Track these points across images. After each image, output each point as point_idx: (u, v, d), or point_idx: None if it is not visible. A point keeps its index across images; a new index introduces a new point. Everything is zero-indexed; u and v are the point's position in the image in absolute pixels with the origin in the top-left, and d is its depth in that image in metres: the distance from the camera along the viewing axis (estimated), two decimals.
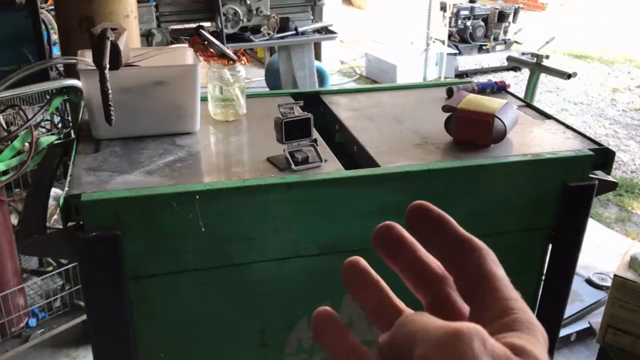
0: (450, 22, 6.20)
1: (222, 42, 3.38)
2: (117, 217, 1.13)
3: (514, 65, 2.49)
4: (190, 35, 1.52)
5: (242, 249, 1.24)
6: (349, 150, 1.50)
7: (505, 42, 6.78)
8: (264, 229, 1.23)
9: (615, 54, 7.71)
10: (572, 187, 1.37)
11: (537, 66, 2.08)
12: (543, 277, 1.51)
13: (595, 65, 7.41)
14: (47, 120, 2.39)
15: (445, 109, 1.44)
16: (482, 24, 6.58)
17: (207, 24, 3.62)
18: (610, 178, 1.47)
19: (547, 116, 1.62)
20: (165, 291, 1.24)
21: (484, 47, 6.67)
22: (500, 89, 1.78)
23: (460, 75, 6.43)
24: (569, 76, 2.08)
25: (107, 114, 1.16)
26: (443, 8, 5.80)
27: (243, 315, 1.32)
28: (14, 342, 2.34)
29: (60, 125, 2.35)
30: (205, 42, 1.45)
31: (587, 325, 2.58)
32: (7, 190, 2.18)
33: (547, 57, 2.09)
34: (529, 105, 1.69)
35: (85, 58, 1.39)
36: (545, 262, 1.49)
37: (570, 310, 2.61)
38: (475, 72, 6.62)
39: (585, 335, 2.61)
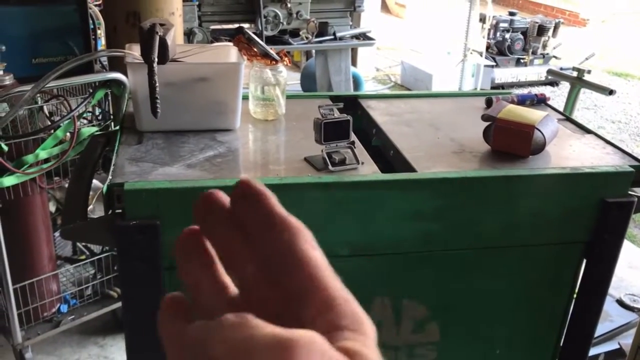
0: (488, 34, 6.15)
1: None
2: (157, 207, 1.16)
3: (555, 78, 2.47)
4: (232, 36, 1.55)
5: None
6: (386, 154, 1.51)
7: (544, 57, 6.70)
8: None
9: None
10: (610, 202, 1.36)
11: (578, 80, 2.06)
12: (575, 294, 1.49)
13: (636, 84, 7.28)
14: (89, 112, 2.45)
15: (484, 117, 1.44)
16: (521, 37, 6.51)
17: (246, 25, 3.66)
18: None
19: (587, 130, 1.60)
20: None
21: (522, 61, 6.60)
22: (540, 102, 1.77)
23: (496, 87, 6.37)
24: (610, 92, 2.05)
25: (154, 106, 1.19)
26: (482, 19, 5.76)
27: None
28: (45, 327, 2.39)
29: (100, 117, 2.40)
30: (250, 42, 1.47)
31: (617, 346, 2.54)
32: (47, 178, 2.23)
33: (589, 71, 2.07)
34: (568, 119, 1.68)
35: (133, 51, 1.43)
36: (579, 278, 1.47)
37: (600, 330, 2.56)
38: (512, 85, 6.55)
39: (614, 356, 2.57)
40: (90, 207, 2.73)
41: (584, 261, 1.44)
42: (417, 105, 1.75)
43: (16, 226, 2.22)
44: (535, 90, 6.56)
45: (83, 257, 2.68)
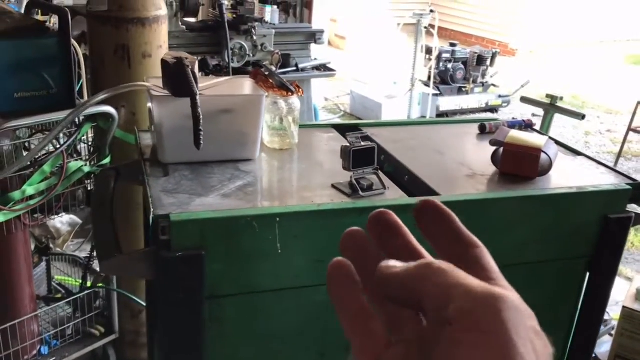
0: (436, 64, 6.41)
1: (229, 75, 3.45)
2: (203, 237, 1.17)
3: (529, 104, 2.64)
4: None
5: (312, 271, 1.28)
6: (399, 179, 1.57)
7: (483, 85, 7.03)
8: (335, 252, 1.28)
9: (584, 99, 8.06)
10: (612, 218, 1.47)
11: (551, 107, 2.21)
12: (579, 306, 1.58)
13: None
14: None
15: (492, 142, 1.53)
16: (462, 66, 6.82)
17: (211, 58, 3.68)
18: None
19: (578, 153, 1.72)
20: (237, 311, 1.27)
21: (464, 89, 6.90)
22: (527, 126, 1.89)
23: (440, 115, 6.62)
24: (583, 117, 2.21)
25: (197, 138, 1.21)
26: (428, 51, 6.00)
27: (306, 337, 1.35)
28: None
29: (81, 151, 2.36)
30: (267, 74, 1.51)
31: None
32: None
33: (562, 98, 2.22)
34: (558, 143, 1.80)
35: (154, 84, 1.44)
36: (582, 291, 1.57)
37: None
38: (455, 113, 6.83)
39: None
40: (68, 243, 2.65)
41: (587, 275, 1.54)
42: (416, 133, 1.83)
43: None
44: (477, 116, 6.86)
45: (59, 295, 2.59)
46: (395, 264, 0.35)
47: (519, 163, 1.49)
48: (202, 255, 1.16)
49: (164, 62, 1.37)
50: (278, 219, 1.20)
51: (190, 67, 1.32)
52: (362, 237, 0.40)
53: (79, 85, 2.46)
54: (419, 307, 0.33)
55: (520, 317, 0.30)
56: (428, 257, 0.37)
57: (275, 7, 4.32)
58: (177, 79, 1.29)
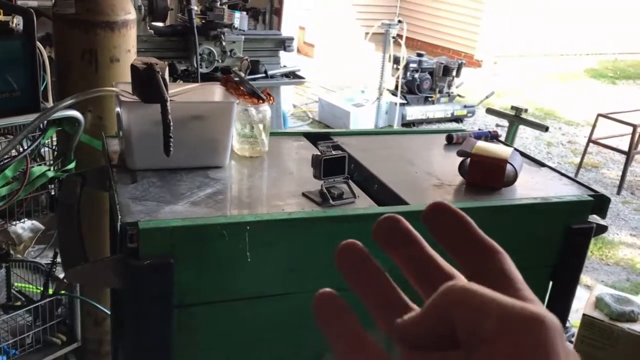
0: (403, 74, 6.48)
1: (197, 81, 3.43)
2: (172, 245, 1.16)
3: (494, 115, 2.69)
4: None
5: (282, 279, 1.28)
6: (368, 188, 1.58)
7: (449, 95, 7.13)
8: (304, 260, 1.29)
9: (546, 111, 8.26)
10: (575, 228, 1.51)
11: (516, 118, 2.26)
12: None
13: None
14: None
15: (460, 153, 1.55)
16: (429, 77, 6.91)
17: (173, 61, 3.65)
18: (602, 222, 1.61)
19: (542, 164, 1.77)
20: (207, 320, 1.26)
21: (430, 99, 6.99)
22: (493, 137, 1.93)
23: (407, 124, 6.69)
24: (546, 129, 2.27)
25: (167, 145, 1.20)
26: (397, 61, 6.07)
27: (277, 346, 1.35)
28: None
29: (44, 155, 2.31)
30: (237, 81, 1.51)
31: None
32: None
33: (526, 110, 2.28)
34: (522, 154, 1.84)
35: (122, 89, 1.42)
36: (546, 299, 1.60)
37: None
38: (422, 122, 6.91)
39: None
40: (30, 249, 2.59)
41: (550, 283, 1.58)
42: (387, 142, 1.85)
43: None
44: (443, 126, 6.96)
45: (19, 303, 2.53)
46: (411, 317, 0.33)
47: (485, 173, 1.52)
48: (171, 263, 1.15)
49: (133, 68, 1.35)
50: (248, 227, 1.20)
51: (160, 72, 1.31)
52: (361, 250, 0.37)
53: (43, 87, 2.41)
54: (452, 338, 0.31)
55: (559, 338, 0.29)
56: (445, 267, 0.36)
57: (244, 13, 4.31)
58: (147, 85, 1.28)
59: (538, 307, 0.31)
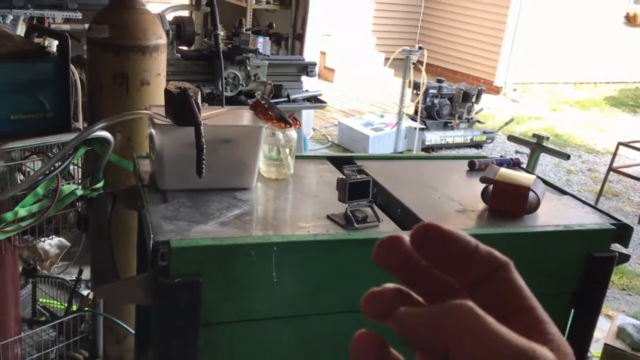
0: (423, 100, 6.53)
1: (222, 105, 3.50)
2: (201, 264, 1.19)
3: (516, 143, 2.72)
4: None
5: (307, 300, 1.31)
6: (390, 212, 1.61)
7: (469, 121, 7.15)
8: (329, 282, 1.31)
9: (566, 138, 8.23)
10: (596, 257, 1.52)
11: (537, 146, 2.28)
12: None
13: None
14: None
15: (482, 180, 1.58)
16: (449, 102, 6.95)
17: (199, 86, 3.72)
18: (624, 250, 1.62)
19: (564, 192, 1.78)
20: (232, 339, 1.29)
21: (449, 124, 7.01)
22: (515, 165, 1.95)
23: (426, 149, 6.72)
24: (568, 157, 2.29)
25: (199, 166, 1.24)
26: (417, 86, 6.12)
27: None
28: None
29: (73, 174, 2.37)
30: (266, 106, 1.55)
31: None
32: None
33: (548, 138, 2.30)
34: (545, 182, 1.86)
35: (155, 112, 1.47)
36: (568, 326, 1.60)
37: None
38: (440, 147, 6.93)
39: None
40: (55, 265, 2.64)
41: (572, 311, 1.58)
42: (408, 167, 1.88)
43: None
44: (463, 151, 6.97)
45: (43, 318, 2.57)
46: (416, 309, 0.33)
47: (508, 200, 1.54)
48: (200, 282, 1.18)
49: (167, 92, 1.40)
50: (275, 248, 1.23)
51: (194, 97, 1.36)
52: (405, 245, 0.35)
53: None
54: (444, 354, 0.30)
55: None
56: (450, 282, 0.35)
57: (267, 38, 4.39)
58: (181, 109, 1.32)
59: (544, 350, 0.30)
